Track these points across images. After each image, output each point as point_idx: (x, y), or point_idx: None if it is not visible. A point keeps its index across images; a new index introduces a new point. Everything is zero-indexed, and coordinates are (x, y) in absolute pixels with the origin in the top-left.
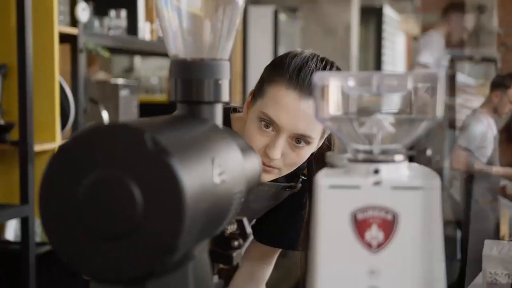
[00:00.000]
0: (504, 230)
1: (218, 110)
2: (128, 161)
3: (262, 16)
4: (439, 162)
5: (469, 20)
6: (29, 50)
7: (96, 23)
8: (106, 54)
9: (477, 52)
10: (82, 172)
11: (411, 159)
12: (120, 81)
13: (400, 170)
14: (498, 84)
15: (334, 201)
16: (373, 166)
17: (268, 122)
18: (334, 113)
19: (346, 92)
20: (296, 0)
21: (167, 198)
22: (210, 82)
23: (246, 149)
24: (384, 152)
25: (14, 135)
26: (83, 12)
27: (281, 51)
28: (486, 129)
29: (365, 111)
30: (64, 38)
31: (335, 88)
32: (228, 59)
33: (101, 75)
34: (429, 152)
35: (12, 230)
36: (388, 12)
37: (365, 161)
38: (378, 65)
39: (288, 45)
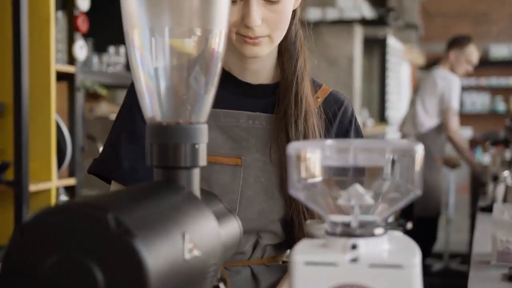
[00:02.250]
0: None
1: (195, 175)
2: (91, 243)
3: None
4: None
5: (475, 54)
6: (25, 89)
7: (95, 59)
8: (103, 92)
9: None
10: (43, 253)
11: None
12: None
13: (379, 245)
14: (454, 43)
15: (310, 278)
16: (350, 241)
17: None
18: (309, 183)
19: (322, 162)
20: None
21: (131, 282)
22: (187, 146)
23: (224, 214)
24: (362, 225)
25: (9, 174)
26: (81, 50)
27: None
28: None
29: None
30: (62, 76)
31: (310, 158)
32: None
33: (104, 107)
34: (409, 225)
35: None
36: (392, 42)
37: (343, 234)
38: (382, 95)
39: None
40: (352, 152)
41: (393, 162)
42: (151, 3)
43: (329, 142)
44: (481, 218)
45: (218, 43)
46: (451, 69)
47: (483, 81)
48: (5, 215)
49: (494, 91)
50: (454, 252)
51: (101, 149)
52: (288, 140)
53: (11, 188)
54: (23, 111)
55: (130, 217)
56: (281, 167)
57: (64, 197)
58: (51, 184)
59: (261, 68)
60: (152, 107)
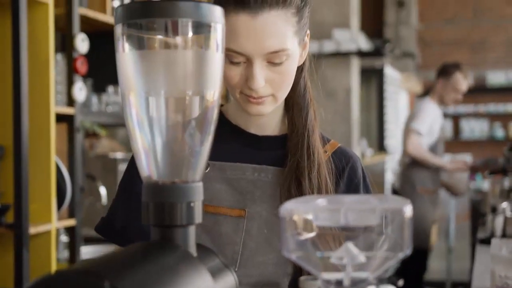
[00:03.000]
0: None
1: (191, 232)
2: None
3: None
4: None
5: (462, 82)
6: (25, 131)
7: (95, 99)
8: (102, 132)
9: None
10: None
11: None
12: (119, 155)
13: None
14: (441, 72)
15: None
16: None
17: (235, 57)
18: (302, 243)
19: (314, 222)
20: None
21: None
22: (183, 205)
23: (220, 269)
24: (355, 282)
25: (9, 217)
26: (80, 91)
27: None
28: (435, 116)
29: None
30: (61, 117)
31: (303, 218)
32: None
33: (105, 143)
34: (400, 282)
35: None
36: (389, 72)
37: None
38: (380, 125)
39: None
40: (343, 212)
41: (383, 221)
42: (146, 68)
43: (321, 201)
44: (480, 250)
45: (213, 102)
46: (440, 98)
47: (481, 107)
48: (5, 258)
49: (493, 117)
50: (456, 281)
51: (100, 188)
52: (301, 193)
53: (11, 231)
54: (23, 153)
55: (126, 283)
56: None
57: (64, 238)
58: (51, 226)
59: (267, 122)
60: (148, 166)
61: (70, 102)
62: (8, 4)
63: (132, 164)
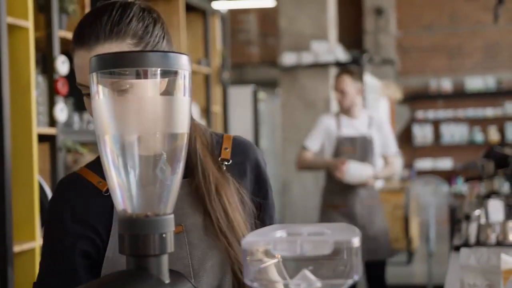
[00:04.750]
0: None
1: (164, 261)
2: None
3: (242, 95)
4: None
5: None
6: (7, 152)
7: (76, 118)
8: (83, 151)
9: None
10: None
11: None
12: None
13: None
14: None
15: None
16: None
17: (84, 89)
18: (262, 272)
19: (273, 252)
20: (275, 76)
21: None
22: (155, 236)
23: None
24: None
25: None
26: (61, 112)
27: (262, 128)
28: (323, 130)
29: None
30: (43, 137)
31: (262, 250)
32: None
33: (89, 158)
34: None
35: None
36: (369, 80)
37: None
38: None
39: (269, 121)
40: (299, 243)
41: (336, 251)
42: (120, 112)
43: (279, 234)
44: (454, 257)
45: (182, 141)
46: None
47: (461, 112)
48: None
49: (472, 122)
50: (438, 284)
51: None
52: (213, 208)
53: None
54: (6, 174)
55: None
56: (218, 219)
57: None
58: (35, 244)
59: None
60: (123, 200)
61: (52, 122)
62: None
63: (56, 222)
